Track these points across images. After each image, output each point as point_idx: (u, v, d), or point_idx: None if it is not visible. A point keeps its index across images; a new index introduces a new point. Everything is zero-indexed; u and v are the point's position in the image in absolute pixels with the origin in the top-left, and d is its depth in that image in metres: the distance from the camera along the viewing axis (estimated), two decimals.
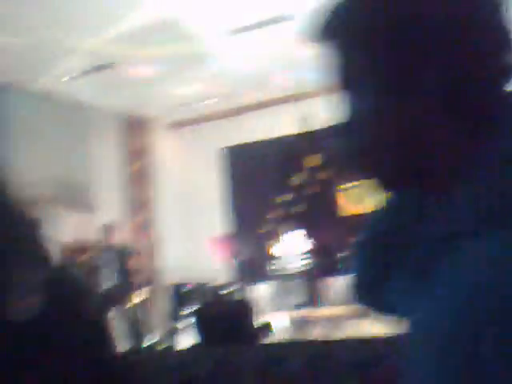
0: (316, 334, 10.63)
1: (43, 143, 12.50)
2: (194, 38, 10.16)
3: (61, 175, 12.56)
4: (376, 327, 9.69)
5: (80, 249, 12.19)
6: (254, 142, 13.64)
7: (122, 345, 9.50)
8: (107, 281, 9.28)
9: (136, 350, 9.02)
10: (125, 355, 8.20)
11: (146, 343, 10.19)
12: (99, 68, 11.02)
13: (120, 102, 12.97)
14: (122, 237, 10.75)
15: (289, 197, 13.27)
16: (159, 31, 9.82)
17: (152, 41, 10.16)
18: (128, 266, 9.56)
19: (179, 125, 14.43)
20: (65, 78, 11.20)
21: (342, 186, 12.87)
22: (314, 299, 11.46)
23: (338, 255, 11.66)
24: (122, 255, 9.63)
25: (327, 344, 6.95)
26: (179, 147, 14.38)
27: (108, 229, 9.81)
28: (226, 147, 14.06)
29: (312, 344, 6.91)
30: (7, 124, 12.18)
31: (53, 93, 12.11)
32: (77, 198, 12.77)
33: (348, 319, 11.04)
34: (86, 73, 11.00)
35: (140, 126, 14.21)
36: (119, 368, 1.86)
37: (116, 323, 9.34)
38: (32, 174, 12.15)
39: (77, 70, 10.94)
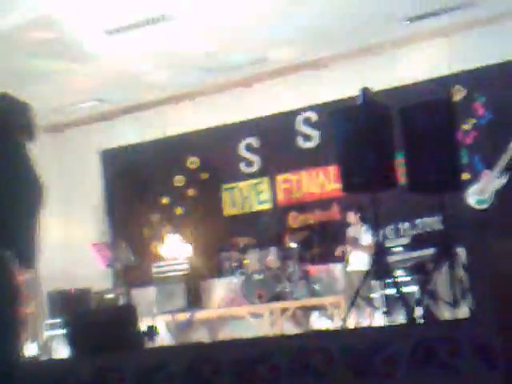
0: (200, 336, 10.68)
1: None
2: (69, 37, 9.98)
3: None
4: (259, 328, 9.84)
5: None
6: (135, 144, 13.52)
7: None
8: None
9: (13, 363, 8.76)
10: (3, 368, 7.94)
11: (25, 354, 9.93)
12: None
13: None
14: None
15: (171, 198, 13.23)
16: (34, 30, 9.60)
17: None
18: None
19: (54, 129, 14.08)
20: None
21: (225, 186, 12.93)
22: (197, 301, 11.48)
23: (225, 255, 11.73)
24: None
25: (210, 346, 6.98)
26: (56, 152, 14.05)
27: None
28: (105, 150, 13.85)
29: (196, 347, 6.93)
30: None
31: None
32: None
33: (232, 320, 11.15)
34: None
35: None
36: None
37: None
38: None
39: None
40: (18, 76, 10.78)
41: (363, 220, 10.21)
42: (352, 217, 10.39)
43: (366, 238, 9.94)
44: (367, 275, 8.21)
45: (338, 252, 10.34)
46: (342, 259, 10.31)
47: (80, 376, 6.35)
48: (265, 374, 5.60)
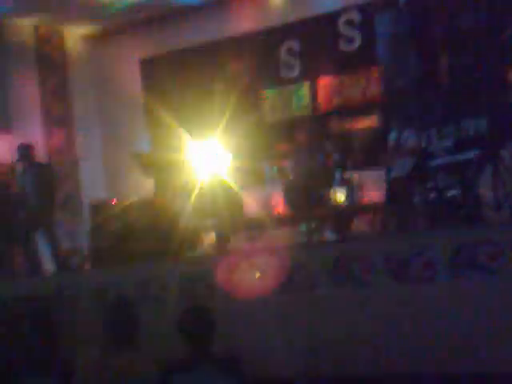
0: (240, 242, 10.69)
1: None
2: None
3: None
4: (299, 235, 9.69)
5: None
6: (175, 51, 13.34)
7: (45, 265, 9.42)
8: (29, 200, 9.10)
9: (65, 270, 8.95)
10: (50, 275, 8.11)
11: (69, 265, 10.12)
12: None
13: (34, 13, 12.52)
14: (40, 155, 10.50)
15: (213, 104, 13.10)
16: None
17: None
18: (48, 184, 9.37)
19: (96, 36, 13.96)
20: None
21: (266, 92, 12.75)
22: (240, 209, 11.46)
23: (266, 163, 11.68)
24: (42, 174, 9.43)
25: (251, 251, 6.96)
26: (97, 59, 13.98)
27: (26, 148, 9.57)
28: (146, 57, 13.71)
29: (237, 254, 6.92)
30: None
31: None
32: None
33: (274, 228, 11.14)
34: None
35: (57, 38, 13.75)
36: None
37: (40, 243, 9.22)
38: None
39: None
40: None
41: (405, 124, 9.97)
42: (394, 120, 10.14)
43: (409, 142, 9.74)
44: (409, 180, 8.10)
45: (380, 159, 10.16)
46: (384, 165, 10.14)
47: (124, 285, 6.48)
48: (301, 281, 5.63)
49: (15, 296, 6.62)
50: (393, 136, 10.04)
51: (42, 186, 9.25)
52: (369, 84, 11.80)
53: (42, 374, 4.72)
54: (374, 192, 10.52)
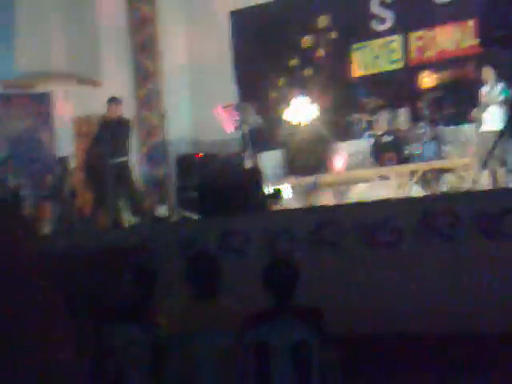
0: (326, 199, 10.62)
1: (49, 15, 12.24)
2: None
3: (70, 49, 12.36)
4: (387, 190, 9.67)
5: (88, 121, 12.15)
6: (264, 4, 13.20)
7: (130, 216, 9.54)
8: (113, 155, 9.20)
9: (146, 223, 9.06)
10: (135, 227, 8.24)
11: (156, 216, 10.24)
12: None
13: None
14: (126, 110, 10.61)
15: (300, 59, 12.97)
16: None
17: None
18: (125, 140, 9.44)
19: None
20: None
21: (354, 46, 12.52)
22: (324, 164, 11.34)
23: (353, 117, 11.47)
24: (126, 129, 9.50)
25: (335, 209, 6.91)
26: (187, 13, 13.97)
27: (113, 102, 9.65)
28: (234, 11, 13.62)
29: (320, 210, 6.89)
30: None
31: None
32: (85, 71, 12.62)
33: (358, 183, 11.01)
34: None
35: None
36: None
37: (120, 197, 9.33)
38: (39, 49, 11.99)
39: None
40: None
41: (500, 77, 9.60)
42: (488, 73, 9.76)
43: (503, 95, 9.40)
44: (502, 134, 7.81)
45: (472, 114, 9.84)
46: (475, 120, 9.82)
47: (207, 237, 6.50)
48: (387, 236, 5.52)
49: (100, 247, 6.72)
50: (485, 89, 9.70)
51: (119, 140, 9.32)
52: (463, 36, 11.42)
53: (131, 321, 4.78)
54: (464, 147, 10.24)
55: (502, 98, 9.41)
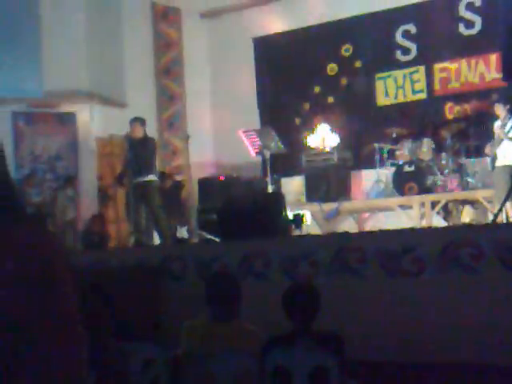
0: (347, 226, 10.60)
1: (75, 36, 12.37)
2: None
3: (95, 69, 12.48)
4: (408, 220, 9.64)
5: (111, 141, 12.25)
6: (287, 31, 13.31)
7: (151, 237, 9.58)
8: (134, 175, 9.25)
9: (165, 243, 9.07)
10: (155, 247, 8.26)
11: (175, 237, 10.26)
12: None
13: None
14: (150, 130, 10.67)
15: (324, 87, 13.04)
16: None
17: None
18: (150, 158, 9.48)
19: (211, 14, 14.09)
20: None
21: (379, 75, 12.58)
22: (346, 191, 11.36)
23: (375, 146, 11.48)
24: (150, 147, 9.55)
25: (357, 236, 6.90)
26: (209, 37, 14.11)
27: (137, 121, 9.71)
28: (258, 37, 13.73)
29: (342, 236, 6.87)
30: (37, 18, 12.04)
31: None
32: (110, 92, 12.73)
33: (380, 212, 10.99)
34: None
35: (173, 15, 13.96)
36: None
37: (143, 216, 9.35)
38: (65, 70, 12.12)
39: None
40: None
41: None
42: (499, 109, 9.78)
43: None
44: None
45: (487, 148, 9.85)
46: (490, 154, 9.82)
47: (228, 260, 6.51)
48: (409, 265, 5.50)
49: (122, 265, 6.75)
50: (498, 124, 9.70)
51: (143, 159, 9.36)
52: (488, 69, 11.46)
53: (146, 340, 4.79)
54: (486, 179, 10.21)
55: None
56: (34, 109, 12.18)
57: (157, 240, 9.51)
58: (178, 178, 12.16)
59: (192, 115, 13.77)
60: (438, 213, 10.31)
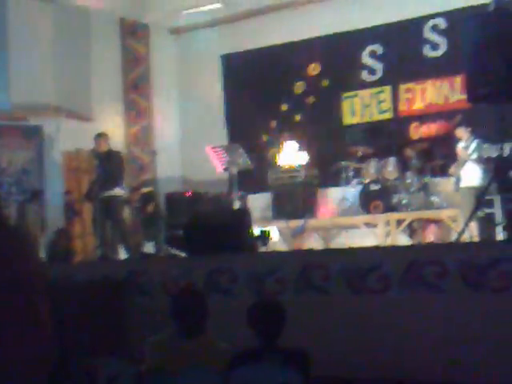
0: (312, 243, 10.67)
1: (43, 50, 12.32)
2: None
3: (62, 82, 12.43)
4: (373, 238, 9.72)
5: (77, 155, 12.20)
6: (255, 49, 13.39)
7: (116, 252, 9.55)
8: (101, 189, 9.22)
9: (131, 259, 9.05)
10: (121, 261, 8.22)
11: (141, 252, 10.24)
12: None
13: (121, 5, 12.70)
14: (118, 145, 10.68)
15: (291, 105, 13.13)
16: None
17: None
18: (117, 173, 9.47)
19: (180, 30, 14.14)
20: None
21: (346, 94, 12.70)
22: (312, 209, 11.44)
23: (342, 164, 11.57)
24: (116, 162, 9.55)
25: (322, 253, 6.95)
26: (179, 53, 14.16)
27: (102, 137, 9.71)
28: (227, 54, 13.80)
29: (308, 253, 6.92)
30: (5, 29, 11.97)
31: None
32: (76, 106, 12.68)
33: (345, 229, 11.08)
34: None
35: (142, 31, 13.98)
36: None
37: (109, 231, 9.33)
38: (33, 83, 12.06)
39: None
40: None
41: (474, 134, 9.80)
42: (463, 131, 9.99)
43: (478, 152, 9.61)
44: (485, 190, 7.94)
45: (451, 169, 10.03)
46: (454, 174, 10.00)
47: (194, 275, 6.51)
48: (374, 283, 5.55)
49: (87, 279, 6.72)
50: (462, 144, 9.88)
51: (110, 174, 9.35)
52: (452, 91, 11.64)
53: (111, 354, 4.77)
54: (450, 198, 10.36)
55: (475, 155, 9.62)
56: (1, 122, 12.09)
57: (123, 255, 9.49)
58: (146, 190, 12.11)
59: (159, 131, 13.77)
60: (403, 231, 10.43)
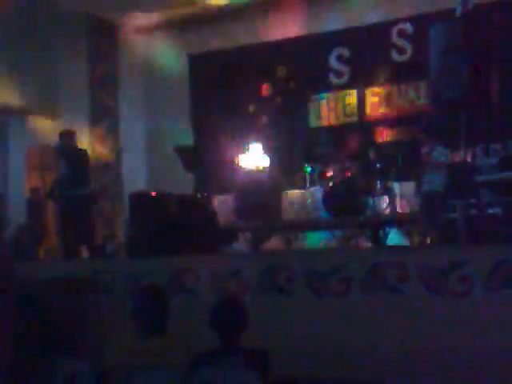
0: (276, 245, 10.69)
1: (9, 45, 12.22)
2: None
3: (28, 80, 12.33)
4: (336, 240, 9.71)
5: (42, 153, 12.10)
6: (223, 50, 13.39)
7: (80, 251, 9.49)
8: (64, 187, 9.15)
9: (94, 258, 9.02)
10: (84, 260, 8.19)
11: (104, 252, 10.20)
12: None
13: (89, 2, 12.63)
14: (84, 143, 10.61)
15: (257, 107, 13.14)
16: None
17: None
18: (83, 171, 9.41)
19: (148, 29, 14.09)
20: None
21: (313, 97, 12.77)
22: (277, 211, 11.45)
23: (306, 167, 11.60)
24: (82, 159, 9.49)
25: (285, 254, 6.98)
26: (147, 52, 14.11)
27: (68, 134, 9.64)
28: (194, 53, 13.79)
29: (271, 254, 6.95)
30: None
31: None
32: (42, 103, 12.60)
33: (309, 232, 11.11)
34: None
35: (109, 28, 13.91)
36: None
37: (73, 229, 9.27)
38: None
39: None
40: None
41: (437, 139, 9.92)
42: (425, 137, 10.10)
43: (442, 157, 9.71)
44: (447, 194, 8.02)
45: (414, 174, 10.14)
46: (416, 178, 10.10)
47: (157, 275, 6.51)
48: (336, 285, 5.60)
49: (50, 277, 6.68)
50: (426, 149, 9.98)
51: (74, 172, 9.28)
52: (417, 95, 11.76)
53: (73, 355, 4.76)
54: (414, 202, 10.44)
55: (438, 160, 9.71)
56: None
57: (86, 254, 9.43)
58: (109, 190, 12.07)
59: (125, 129, 13.71)
60: (365, 234, 10.49)
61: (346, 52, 12.54)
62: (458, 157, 9.26)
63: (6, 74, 11.98)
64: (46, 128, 12.01)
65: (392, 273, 5.50)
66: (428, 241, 8.65)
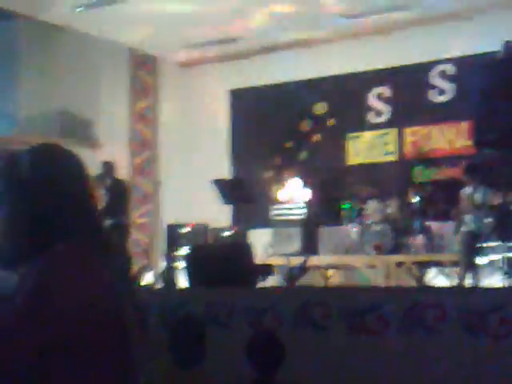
0: (312, 281, 10.64)
1: (51, 76, 12.40)
2: None
3: (68, 109, 12.49)
4: (374, 278, 9.70)
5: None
6: (263, 86, 13.48)
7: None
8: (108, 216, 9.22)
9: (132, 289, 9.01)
10: (121, 293, 8.22)
11: (143, 282, 10.22)
12: (111, 1, 10.88)
13: (131, 37, 12.81)
14: (123, 174, 10.68)
15: (296, 143, 13.19)
16: None
17: None
18: (122, 202, 9.48)
19: (189, 64, 14.25)
20: (79, 9, 11.04)
21: (351, 134, 12.79)
22: (313, 247, 11.42)
23: (344, 204, 11.57)
24: (121, 190, 9.57)
25: (322, 291, 6.93)
26: (187, 87, 14.24)
27: (108, 164, 9.74)
28: (234, 89, 13.90)
29: (307, 290, 6.90)
30: (14, 55, 12.05)
31: (64, 24, 11.93)
32: (82, 133, 12.74)
33: (346, 269, 11.06)
34: (97, 4, 10.87)
35: (150, 63, 14.09)
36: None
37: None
38: (39, 108, 12.13)
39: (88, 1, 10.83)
40: None
41: (480, 180, 9.83)
42: (467, 177, 10.01)
43: (484, 198, 9.62)
44: (484, 235, 7.96)
45: (453, 213, 10.05)
46: (456, 219, 10.00)
47: (192, 307, 6.49)
48: (373, 324, 5.54)
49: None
50: (467, 190, 9.89)
51: (116, 202, 9.35)
52: (457, 136, 11.70)
53: None
54: (452, 243, 10.35)
55: (480, 201, 9.62)
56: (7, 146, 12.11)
57: None
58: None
59: (164, 162, 13.79)
60: (403, 273, 10.41)
61: (386, 91, 12.55)
62: (500, 198, 9.19)
63: (50, 102, 12.15)
64: (86, 157, 12.11)
65: (429, 312, 5.43)
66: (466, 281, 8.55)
